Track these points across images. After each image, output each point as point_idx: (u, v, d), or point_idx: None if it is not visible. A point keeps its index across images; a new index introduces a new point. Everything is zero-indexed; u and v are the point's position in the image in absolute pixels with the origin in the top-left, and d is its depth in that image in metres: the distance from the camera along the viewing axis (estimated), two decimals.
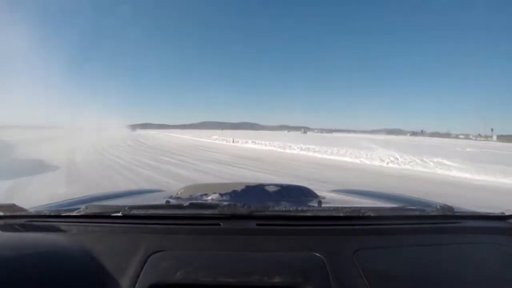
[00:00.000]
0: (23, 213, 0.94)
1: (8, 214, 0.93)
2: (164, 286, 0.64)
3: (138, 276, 0.66)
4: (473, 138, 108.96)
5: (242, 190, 1.33)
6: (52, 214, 0.95)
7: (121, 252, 0.74)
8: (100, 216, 0.92)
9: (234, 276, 0.65)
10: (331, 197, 1.44)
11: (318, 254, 0.72)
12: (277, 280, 0.64)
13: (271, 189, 1.36)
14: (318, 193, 1.40)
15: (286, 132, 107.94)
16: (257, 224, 0.85)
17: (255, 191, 1.37)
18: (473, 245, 0.82)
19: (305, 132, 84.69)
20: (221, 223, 0.85)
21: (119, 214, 0.89)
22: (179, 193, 1.34)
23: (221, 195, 1.22)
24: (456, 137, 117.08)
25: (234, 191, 1.30)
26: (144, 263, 0.69)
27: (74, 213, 0.92)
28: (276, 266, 0.68)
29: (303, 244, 0.77)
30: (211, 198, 1.19)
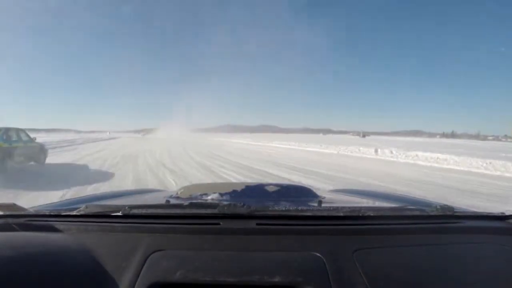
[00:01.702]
0: (23, 213, 0.94)
1: (8, 213, 0.92)
2: (164, 286, 0.64)
3: (138, 276, 0.66)
4: (503, 139, 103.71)
5: (242, 190, 1.32)
6: (52, 213, 0.95)
7: (121, 251, 0.74)
8: (100, 216, 0.92)
9: (234, 276, 0.65)
10: (331, 197, 1.44)
11: (318, 254, 0.71)
12: (277, 279, 0.63)
13: (271, 189, 1.35)
14: (318, 193, 1.40)
15: (349, 136, 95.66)
16: (257, 224, 0.84)
17: (255, 191, 1.36)
18: (473, 245, 0.82)
19: (364, 136, 75.90)
20: (221, 223, 0.85)
21: (119, 214, 0.89)
22: (179, 192, 1.33)
23: (221, 194, 1.21)
24: (485, 138, 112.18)
25: (234, 191, 1.29)
26: (144, 263, 0.69)
27: (74, 213, 0.92)
28: (276, 265, 0.67)
29: (303, 244, 0.77)
30: (211, 197, 1.18)
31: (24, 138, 8.16)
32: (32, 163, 8.30)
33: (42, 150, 8.91)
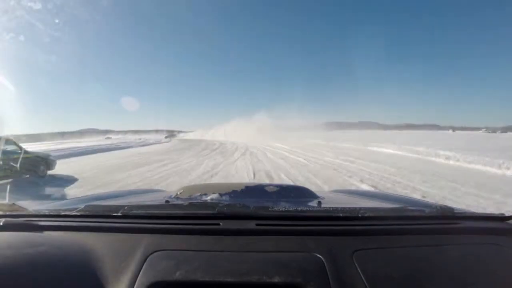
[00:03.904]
0: (23, 213, 0.94)
1: (8, 213, 0.93)
2: (163, 285, 0.64)
3: (137, 275, 0.66)
4: None
5: (242, 190, 1.31)
6: (52, 213, 0.95)
7: (121, 251, 0.74)
8: (99, 216, 0.92)
9: (233, 276, 0.64)
10: (331, 198, 1.43)
11: (317, 254, 0.71)
12: (276, 280, 0.63)
13: (270, 189, 1.34)
14: (318, 193, 1.39)
15: (483, 133, 68.05)
16: (257, 224, 0.84)
17: (255, 191, 1.35)
18: (473, 245, 0.82)
19: None
20: (220, 223, 0.85)
21: (119, 214, 0.89)
22: (178, 193, 1.32)
23: (221, 195, 1.19)
24: None
25: (234, 191, 1.27)
26: (144, 263, 0.69)
27: (74, 213, 0.92)
28: (276, 266, 0.67)
29: (303, 244, 0.76)
30: (211, 198, 1.17)
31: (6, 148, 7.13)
32: (27, 176, 7.52)
33: (41, 161, 8.02)
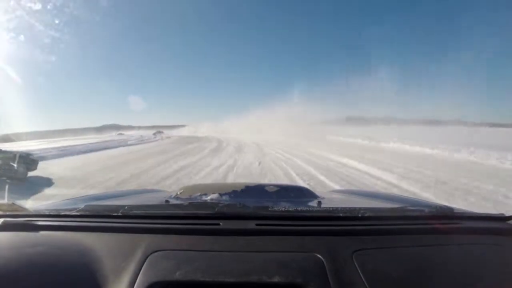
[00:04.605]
0: (23, 213, 0.94)
1: (8, 213, 0.92)
2: (163, 285, 0.64)
3: (137, 275, 0.66)
4: None
5: (242, 190, 1.32)
6: (52, 213, 0.95)
7: (121, 251, 0.74)
8: (99, 216, 0.92)
9: (233, 276, 0.64)
10: (331, 198, 1.44)
11: (317, 254, 0.71)
12: (276, 280, 0.63)
13: (270, 189, 1.34)
14: (318, 193, 1.40)
15: None
16: (257, 224, 0.84)
17: (255, 191, 1.35)
18: (473, 245, 0.82)
19: None
20: (220, 223, 0.85)
21: (119, 214, 0.90)
22: (178, 193, 1.33)
23: (221, 195, 1.20)
24: None
25: (234, 191, 1.28)
26: (144, 263, 0.69)
27: (74, 213, 0.92)
28: (275, 266, 0.67)
29: (303, 244, 0.77)
30: (211, 198, 1.17)
31: None
32: (3, 178, 6.39)
33: (20, 161, 6.89)
